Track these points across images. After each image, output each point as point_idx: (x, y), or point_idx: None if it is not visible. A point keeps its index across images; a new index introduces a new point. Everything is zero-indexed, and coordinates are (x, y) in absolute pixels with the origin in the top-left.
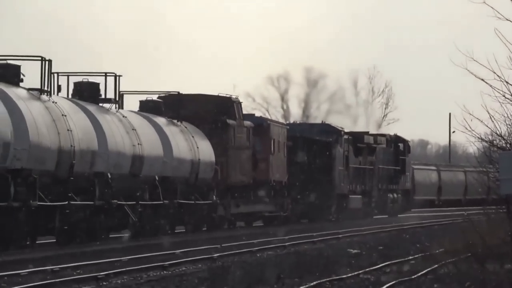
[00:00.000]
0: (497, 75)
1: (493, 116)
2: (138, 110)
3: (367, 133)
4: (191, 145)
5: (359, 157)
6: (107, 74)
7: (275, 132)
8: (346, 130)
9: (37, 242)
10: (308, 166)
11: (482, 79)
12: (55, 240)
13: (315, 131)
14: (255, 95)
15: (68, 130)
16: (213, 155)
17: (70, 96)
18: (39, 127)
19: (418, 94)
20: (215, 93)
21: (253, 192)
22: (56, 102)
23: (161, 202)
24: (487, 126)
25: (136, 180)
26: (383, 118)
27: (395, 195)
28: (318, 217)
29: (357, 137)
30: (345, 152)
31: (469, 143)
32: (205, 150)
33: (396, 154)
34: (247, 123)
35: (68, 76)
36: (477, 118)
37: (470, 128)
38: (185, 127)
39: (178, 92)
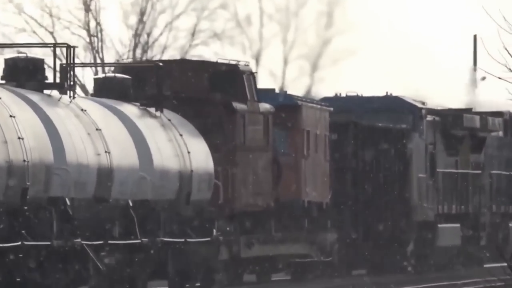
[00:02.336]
0: None
1: None
2: (92, 94)
3: (468, 110)
4: (178, 148)
5: (454, 155)
6: (57, 45)
7: (311, 119)
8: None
9: None
10: (366, 174)
11: None
12: None
13: (373, 111)
14: None
15: (19, 138)
16: (211, 163)
17: None
18: None
19: None
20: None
21: (276, 221)
22: (0, 98)
23: (139, 240)
24: None
25: (103, 207)
26: None
27: None
28: (384, 265)
29: (450, 119)
30: (429, 146)
31: None
32: (199, 155)
33: None
34: (265, 106)
35: None
36: None
37: None
38: (168, 119)
39: (150, 60)
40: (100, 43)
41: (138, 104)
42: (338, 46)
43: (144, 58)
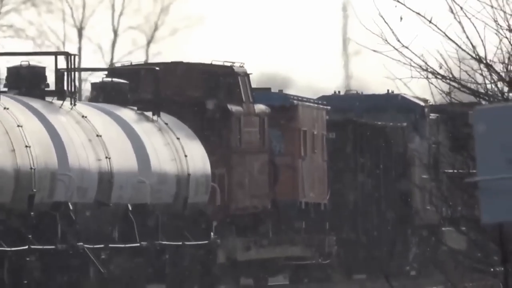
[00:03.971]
0: None
1: None
2: (90, 99)
3: (477, 103)
4: (175, 152)
5: (460, 154)
6: (58, 53)
7: (307, 118)
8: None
9: None
10: (365, 174)
11: None
12: None
13: (374, 109)
14: None
15: (26, 146)
16: (208, 166)
17: (1, 88)
18: None
19: None
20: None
21: (273, 223)
22: (7, 108)
23: (138, 244)
24: None
25: (104, 211)
26: None
27: None
28: (384, 269)
29: (456, 116)
30: (432, 145)
31: None
32: (196, 158)
33: None
34: (260, 107)
35: None
36: None
37: None
38: (165, 123)
39: (146, 63)
40: None
41: (135, 108)
42: (179, 14)
43: None
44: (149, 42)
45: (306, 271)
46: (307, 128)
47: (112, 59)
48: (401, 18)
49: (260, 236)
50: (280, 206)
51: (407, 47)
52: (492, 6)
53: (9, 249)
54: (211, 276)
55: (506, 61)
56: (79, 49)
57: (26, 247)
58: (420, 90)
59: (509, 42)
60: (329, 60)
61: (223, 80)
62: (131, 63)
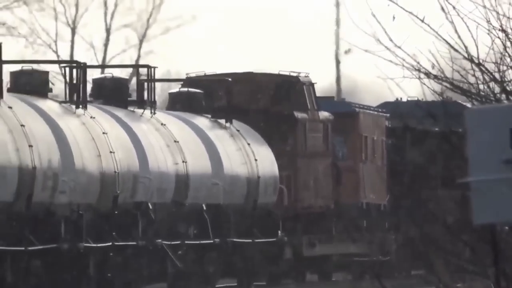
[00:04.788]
0: None
1: None
2: (167, 107)
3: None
4: (245, 156)
5: None
6: (139, 66)
7: (368, 125)
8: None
9: None
10: (422, 177)
11: None
12: None
13: (431, 115)
14: None
15: (110, 152)
16: (276, 169)
17: (88, 98)
18: (82, 151)
19: None
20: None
21: (336, 222)
22: (94, 117)
23: (211, 241)
24: None
25: (180, 210)
26: None
27: None
28: (444, 266)
29: None
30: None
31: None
32: (265, 162)
33: None
34: (324, 114)
35: (80, 69)
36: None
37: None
38: (237, 130)
39: (218, 74)
40: None
41: (209, 116)
42: (171, 12)
43: None
44: (141, 41)
45: (368, 267)
46: (368, 134)
47: (104, 58)
48: (393, 17)
49: (324, 233)
50: (343, 206)
51: (399, 47)
52: (484, 6)
53: (94, 245)
54: (279, 271)
55: (498, 61)
56: (72, 47)
57: (110, 243)
58: (413, 90)
59: (502, 43)
60: (321, 59)
61: (289, 89)
62: (205, 73)
